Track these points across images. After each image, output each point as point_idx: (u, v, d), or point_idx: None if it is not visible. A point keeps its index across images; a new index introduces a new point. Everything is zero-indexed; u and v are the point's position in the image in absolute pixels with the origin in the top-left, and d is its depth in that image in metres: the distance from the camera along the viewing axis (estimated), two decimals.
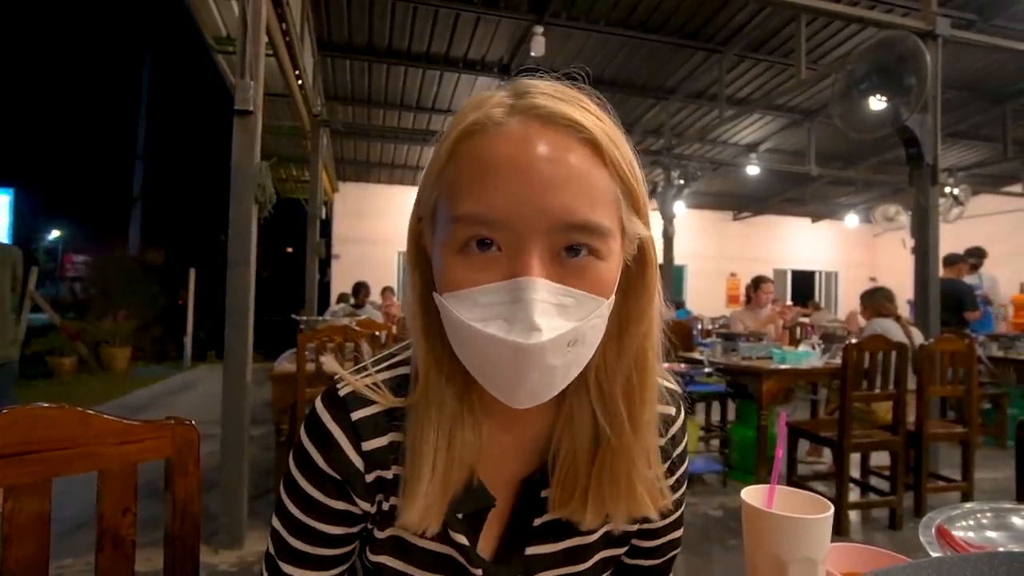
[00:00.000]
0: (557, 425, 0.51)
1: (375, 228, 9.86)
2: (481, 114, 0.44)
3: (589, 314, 0.43)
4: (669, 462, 0.57)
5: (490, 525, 0.52)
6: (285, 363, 3.23)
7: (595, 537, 0.54)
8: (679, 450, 0.58)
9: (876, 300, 3.39)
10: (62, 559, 2.28)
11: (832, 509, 0.46)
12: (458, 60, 5.73)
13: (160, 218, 15.00)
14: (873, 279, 12.05)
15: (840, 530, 2.66)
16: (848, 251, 12.42)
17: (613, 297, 0.45)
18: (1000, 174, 8.65)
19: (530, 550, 0.52)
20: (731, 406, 3.97)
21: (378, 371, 0.52)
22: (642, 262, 0.49)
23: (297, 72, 4.31)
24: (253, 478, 2.61)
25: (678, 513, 0.60)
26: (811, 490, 0.53)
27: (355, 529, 0.52)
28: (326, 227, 9.32)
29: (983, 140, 7.39)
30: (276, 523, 0.52)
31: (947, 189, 7.03)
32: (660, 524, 0.58)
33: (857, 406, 2.78)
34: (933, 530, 0.59)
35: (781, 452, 0.52)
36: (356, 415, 0.50)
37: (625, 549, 0.58)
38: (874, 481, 3.15)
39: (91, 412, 0.63)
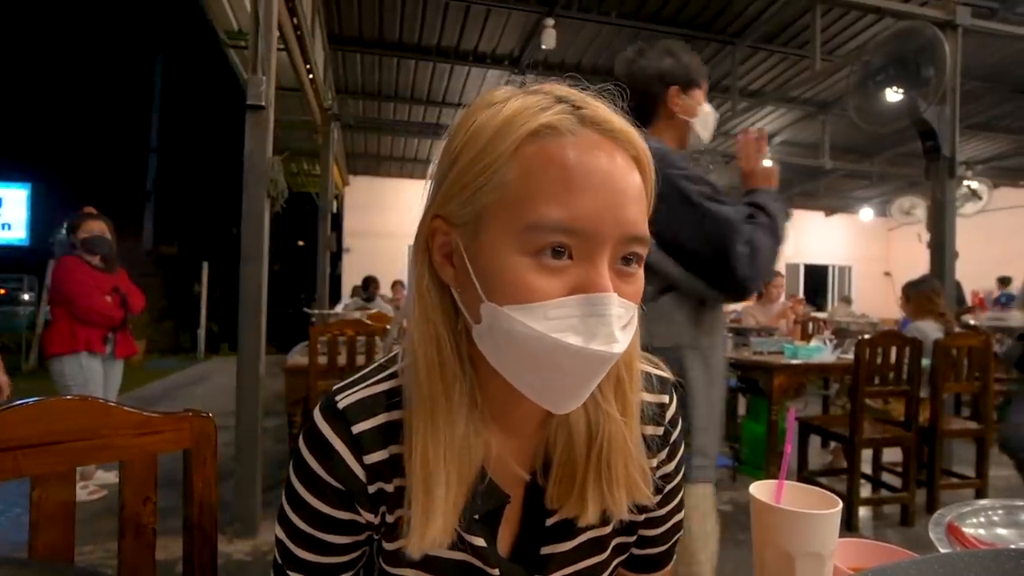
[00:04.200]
0: (552, 423, 0.52)
1: (385, 222, 9.90)
2: (550, 119, 0.43)
3: (633, 321, 0.46)
4: (669, 446, 0.59)
5: (504, 525, 0.53)
6: (297, 356, 3.26)
7: (609, 528, 0.55)
8: (676, 433, 0.60)
9: (920, 295, 3.03)
10: (82, 546, 2.33)
11: (840, 505, 0.46)
12: (468, 53, 5.72)
13: (173, 212, 15.14)
14: (888, 274, 11.89)
15: (852, 526, 2.65)
16: (862, 245, 12.25)
17: None
18: (1021, 167, 8.48)
19: (545, 550, 0.53)
20: (742, 401, 3.96)
21: (373, 383, 0.52)
22: None
23: (308, 66, 4.33)
24: (266, 469, 2.65)
25: (680, 497, 0.61)
26: (823, 486, 0.53)
27: (362, 537, 0.52)
28: (337, 221, 9.37)
29: (1004, 132, 7.24)
30: (281, 533, 0.52)
31: (965, 182, 6.92)
32: (664, 511, 0.59)
33: (869, 402, 2.76)
34: (943, 527, 0.59)
35: (790, 447, 0.53)
36: (357, 428, 0.49)
37: (635, 538, 0.59)
38: (887, 478, 3.13)
39: (112, 404, 0.65)
